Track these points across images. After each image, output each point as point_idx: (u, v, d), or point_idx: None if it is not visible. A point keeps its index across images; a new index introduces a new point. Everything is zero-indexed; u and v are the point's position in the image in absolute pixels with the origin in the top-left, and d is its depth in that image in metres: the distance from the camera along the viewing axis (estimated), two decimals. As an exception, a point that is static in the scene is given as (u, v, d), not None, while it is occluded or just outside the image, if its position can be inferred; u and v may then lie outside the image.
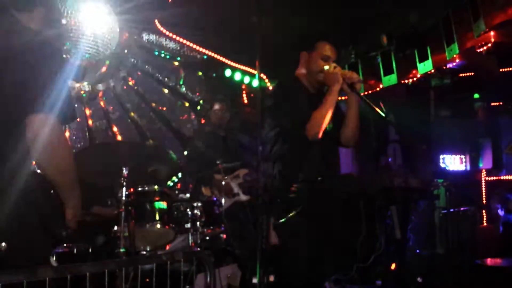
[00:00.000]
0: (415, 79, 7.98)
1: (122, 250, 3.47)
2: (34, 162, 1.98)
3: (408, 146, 8.27)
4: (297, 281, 3.32)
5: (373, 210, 3.38)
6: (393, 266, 3.84)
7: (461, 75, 8.30)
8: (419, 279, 5.03)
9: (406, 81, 8.12)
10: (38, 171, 2.07)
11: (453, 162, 9.02)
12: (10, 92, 1.86)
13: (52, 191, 2.00)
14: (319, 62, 3.52)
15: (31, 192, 1.89)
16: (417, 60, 7.60)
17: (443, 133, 9.48)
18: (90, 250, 3.69)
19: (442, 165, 8.81)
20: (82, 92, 6.68)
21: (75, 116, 2.05)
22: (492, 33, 6.58)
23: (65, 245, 3.47)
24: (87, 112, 6.89)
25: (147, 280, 2.51)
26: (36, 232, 1.87)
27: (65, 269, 1.67)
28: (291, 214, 3.27)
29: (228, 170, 5.20)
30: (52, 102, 1.92)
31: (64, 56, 2.15)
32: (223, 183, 4.93)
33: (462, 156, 8.94)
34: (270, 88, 7.99)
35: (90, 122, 6.93)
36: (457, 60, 7.31)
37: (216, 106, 5.83)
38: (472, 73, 8.34)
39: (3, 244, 1.74)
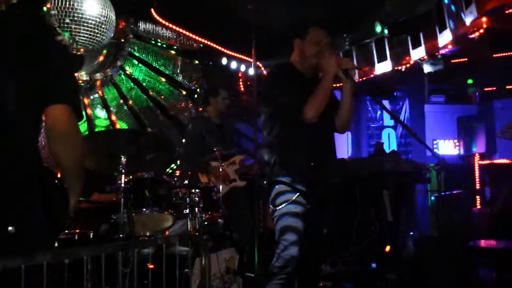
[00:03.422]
0: (408, 65, 8.04)
1: (121, 235, 3.56)
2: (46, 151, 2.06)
3: (402, 131, 8.35)
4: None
5: (367, 194, 3.43)
6: (387, 248, 3.89)
7: (454, 61, 8.33)
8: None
9: (400, 68, 8.17)
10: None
11: (446, 147, 9.10)
12: (31, 83, 1.94)
13: (57, 182, 2.08)
14: (312, 46, 3.53)
15: (41, 181, 1.96)
16: (410, 46, 7.67)
17: (437, 118, 9.57)
18: (90, 236, 3.76)
19: (435, 149, 8.88)
20: (80, 82, 6.74)
21: (82, 114, 2.14)
22: (484, 19, 6.60)
23: (66, 231, 3.52)
24: (86, 101, 6.96)
25: (148, 264, 2.60)
26: (43, 220, 1.93)
27: (63, 253, 1.70)
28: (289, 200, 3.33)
29: (225, 157, 5.26)
30: (69, 93, 2.03)
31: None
32: (220, 169, 4.99)
33: (456, 141, 9.01)
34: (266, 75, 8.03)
35: (88, 111, 7.00)
36: (450, 47, 7.33)
37: (223, 94, 5.79)
38: (466, 59, 8.37)
39: (10, 228, 1.79)
